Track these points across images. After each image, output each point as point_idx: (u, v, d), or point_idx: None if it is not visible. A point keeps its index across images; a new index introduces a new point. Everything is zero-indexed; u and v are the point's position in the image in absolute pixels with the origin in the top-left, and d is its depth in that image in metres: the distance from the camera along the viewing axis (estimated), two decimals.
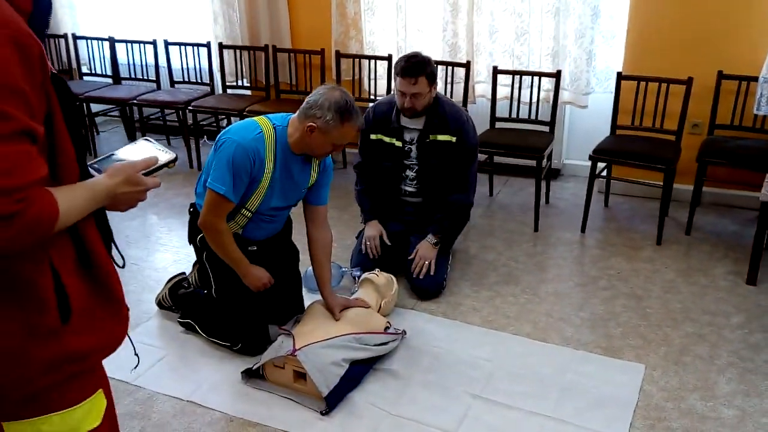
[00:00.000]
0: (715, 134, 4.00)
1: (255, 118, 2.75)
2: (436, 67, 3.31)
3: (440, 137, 3.34)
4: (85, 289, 1.31)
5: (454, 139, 3.33)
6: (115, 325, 1.41)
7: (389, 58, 4.62)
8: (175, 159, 1.47)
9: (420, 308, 3.26)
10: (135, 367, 1.46)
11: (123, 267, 1.46)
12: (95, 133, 5.88)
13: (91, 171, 1.35)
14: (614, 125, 4.11)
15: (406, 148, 3.41)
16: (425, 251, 3.37)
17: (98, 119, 6.05)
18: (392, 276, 3.25)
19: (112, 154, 1.45)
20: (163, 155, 1.45)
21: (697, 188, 3.88)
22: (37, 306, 1.23)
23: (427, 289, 3.33)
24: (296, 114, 2.72)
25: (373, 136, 3.46)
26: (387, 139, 3.43)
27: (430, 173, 3.43)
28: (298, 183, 2.81)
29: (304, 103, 2.68)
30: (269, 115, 2.78)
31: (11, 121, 1.07)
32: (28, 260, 1.20)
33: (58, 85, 1.22)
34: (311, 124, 2.63)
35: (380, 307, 3.08)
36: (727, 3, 3.90)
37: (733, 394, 2.62)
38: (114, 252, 1.43)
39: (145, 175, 1.39)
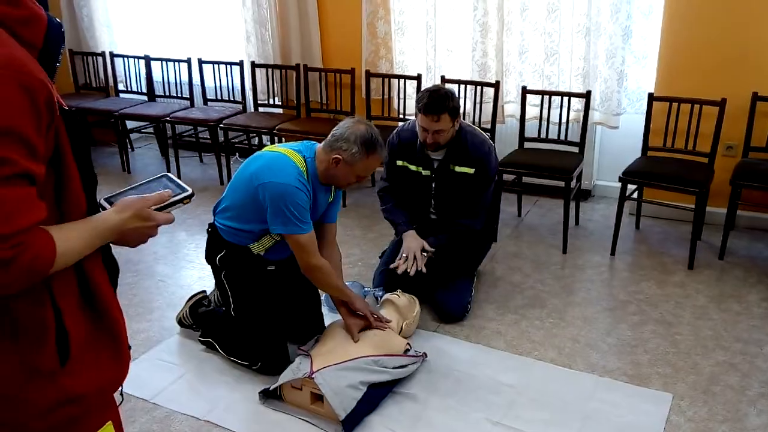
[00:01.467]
0: (749, 156, 3.91)
1: (284, 152, 2.75)
2: (459, 100, 3.24)
3: (460, 168, 3.29)
4: (87, 330, 1.29)
5: (473, 170, 3.28)
6: (115, 366, 1.37)
7: (419, 78, 4.63)
8: (192, 195, 1.45)
9: (443, 331, 3.22)
10: (119, 404, 1.42)
11: None
12: (130, 149, 5.98)
13: (105, 204, 1.34)
14: (645, 146, 4.04)
15: (432, 176, 3.38)
16: (410, 245, 3.27)
17: (133, 135, 6.16)
18: (414, 297, 3.22)
19: (128, 189, 1.42)
20: (180, 192, 1.43)
21: (730, 212, 3.78)
22: (34, 346, 1.20)
23: (451, 311, 3.29)
24: (321, 145, 2.79)
25: (399, 162, 3.43)
26: (413, 167, 3.39)
27: (447, 202, 3.39)
28: (320, 207, 2.87)
29: (330, 135, 2.75)
30: (293, 147, 2.81)
31: (9, 165, 1.06)
32: (28, 298, 1.18)
33: (69, 121, 1.21)
34: (337, 156, 2.70)
35: (401, 328, 3.05)
36: (761, 23, 3.82)
37: (764, 427, 2.53)
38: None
39: (159, 209, 1.36)
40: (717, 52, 3.95)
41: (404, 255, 3.26)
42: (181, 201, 1.43)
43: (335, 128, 2.77)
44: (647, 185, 3.89)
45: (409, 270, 3.20)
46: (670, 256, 3.90)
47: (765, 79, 3.85)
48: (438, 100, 3.10)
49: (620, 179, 3.81)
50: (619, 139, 4.43)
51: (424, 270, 3.22)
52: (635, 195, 4.09)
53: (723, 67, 3.95)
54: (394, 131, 3.49)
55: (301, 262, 2.76)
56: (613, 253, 3.94)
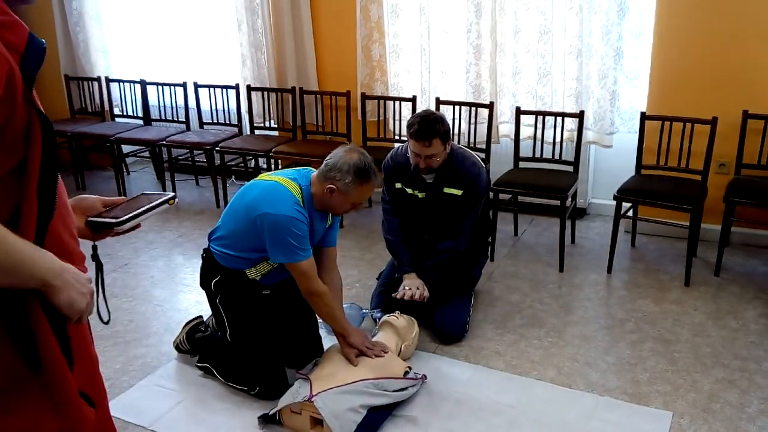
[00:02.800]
0: (741, 174, 3.94)
1: (281, 180, 2.78)
2: (449, 124, 3.25)
3: (449, 190, 3.32)
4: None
5: (461, 192, 3.30)
6: (53, 421, 1.26)
7: (414, 100, 4.67)
8: (174, 196, 1.50)
9: (442, 352, 3.22)
10: None
11: (107, 323, 1.38)
12: (126, 173, 5.99)
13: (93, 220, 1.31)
14: (639, 165, 4.07)
15: (425, 198, 3.39)
16: (413, 281, 3.30)
17: (129, 159, 6.18)
18: (413, 318, 3.22)
19: (111, 209, 1.44)
20: (162, 196, 1.45)
21: (725, 228, 3.80)
22: None
23: (449, 332, 3.29)
24: (316, 173, 2.82)
25: (397, 185, 3.45)
26: (409, 190, 3.42)
27: (437, 224, 3.40)
28: (317, 233, 2.88)
29: (324, 164, 2.78)
30: (288, 174, 2.84)
31: None
32: None
33: (46, 132, 1.17)
34: (331, 186, 2.74)
35: (400, 350, 3.04)
36: (749, 42, 3.87)
37: None
38: (102, 306, 1.36)
39: (146, 211, 1.34)
40: (707, 71, 3.99)
41: (407, 289, 3.27)
42: (165, 202, 1.45)
43: (328, 157, 2.79)
44: (642, 203, 3.92)
45: (414, 297, 3.24)
46: (666, 274, 3.91)
47: (755, 96, 3.89)
48: (428, 126, 3.12)
49: (615, 197, 3.83)
50: (613, 157, 4.46)
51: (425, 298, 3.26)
52: (630, 213, 4.12)
53: (713, 86, 3.99)
54: (388, 155, 3.51)
55: (302, 287, 2.77)
56: (609, 271, 3.95)
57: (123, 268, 4.23)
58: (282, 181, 2.77)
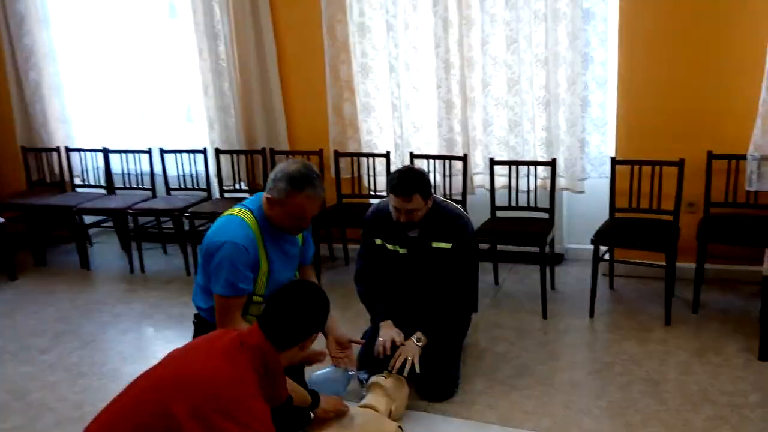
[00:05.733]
0: (711, 212, 4.06)
1: (232, 211, 2.79)
2: (430, 180, 3.27)
3: (437, 244, 3.31)
4: None
5: (450, 245, 3.30)
6: None
7: (387, 155, 4.71)
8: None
9: (433, 410, 3.17)
10: None
11: None
12: (88, 245, 5.85)
13: None
14: (612, 208, 4.17)
15: (408, 254, 3.38)
16: (411, 351, 3.19)
17: (92, 230, 5.99)
18: (402, 377, 3.14)
19: None
20: None
21: (699, 266, 3.89)
22: None
23: (439, 388, 3.24)
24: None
25: (377, 241, 3.45)
26: (390, 246, 3.42)
27: (424, 282, 3.39)
28: (291, 252, 2.87)
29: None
30: (243, 203, 2.85)
31: None
32: None
33: None
34: (269, 196, 2.72)
35: (391, 411, 2.98)
36: (709, 87, 4.04)
37: None
38: None
39: None
40: (670, 115, 4.14)
41: (381, 340, 3.21)
42: None
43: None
44: (619, 246, 3.99)
45: (404, 372, 3.13)
46: (646, 314, 3.97)
47: (717, 138, 4.04)
48: (408, 181, 3.13)
49: (592, 242, 3.90)
50: (586, 203, 4.54)
51: (417, 370, 3.15)
52: (606, 256, 4.19)
53: (677, 129, 4.14)
54: (370, 209, 3.52)
55: (218, 325, 2.71)
56: (592, 315, 4.00)
57: (90, 345, 4.07)
58: (235, 212, 2.78)
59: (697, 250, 3.87)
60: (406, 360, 3.13)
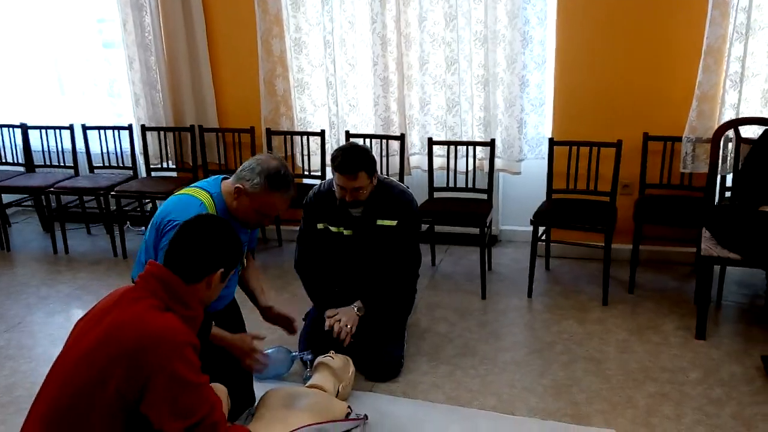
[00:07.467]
0: (646, 193, 4.11)
1: (188, 191, 2.72)
2: (374, 157, 3.21)
3: (382, 222, 3.26)
4: None
5: (395, 222, 3.26)
6: None
7: (322, 134, 4.59)
8: None
9: (379, 390, 3.11)
10: None
11: None
12: (7, 226, 5.52)
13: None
14: (550, 189, 4.17)
15: (353, 235, 3.31)
16: (348, 317, 3.18)
17: (9, 210, 5.67)
18: (348, 357, 3.10)
19: None
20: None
21: (635, 247, 3.94)
22: None
23: (384, 368, 3.19)
24: (231, 178, 2.74)
25: (319, 225, 3.34)
26: (333, 229, 3.33)
27: (370, 261, 3.32)
28: (242, 240, 2.74)
29: (240, 167, 2.71)
30: (199, 184, 2.77)
31: None
32: None
33: None
34: (239, 185, 2.66)
35: (338, 391, 2.92)
36: (646, 69, 4.07)
37: None
38: None
39: None
40: (607, 96, 4.17)
41: (330, 318, 3.18)
42: None
43: (247, 161, 2.73)
44: (558, 227, 4.00)
45: (342, 339, 3.12)
46: (584, 294, 4.00)
47: (654, 120, 4.09)
48: (353, 159, 3.06)
49: (531, 222, 3.89)
50: (521, 184, 4.54)
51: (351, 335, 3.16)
52: (544, 237, 4.20)
53: (614, 111, 4.17)
54: (310, 192, 3.41)
55: None
56: (530, 295, 4.00)
57: (17, 327, 3.87)
58: (191, 192, 2.69)
59: (633, 231, 3.92)
60: (342, 330, 3.13)
